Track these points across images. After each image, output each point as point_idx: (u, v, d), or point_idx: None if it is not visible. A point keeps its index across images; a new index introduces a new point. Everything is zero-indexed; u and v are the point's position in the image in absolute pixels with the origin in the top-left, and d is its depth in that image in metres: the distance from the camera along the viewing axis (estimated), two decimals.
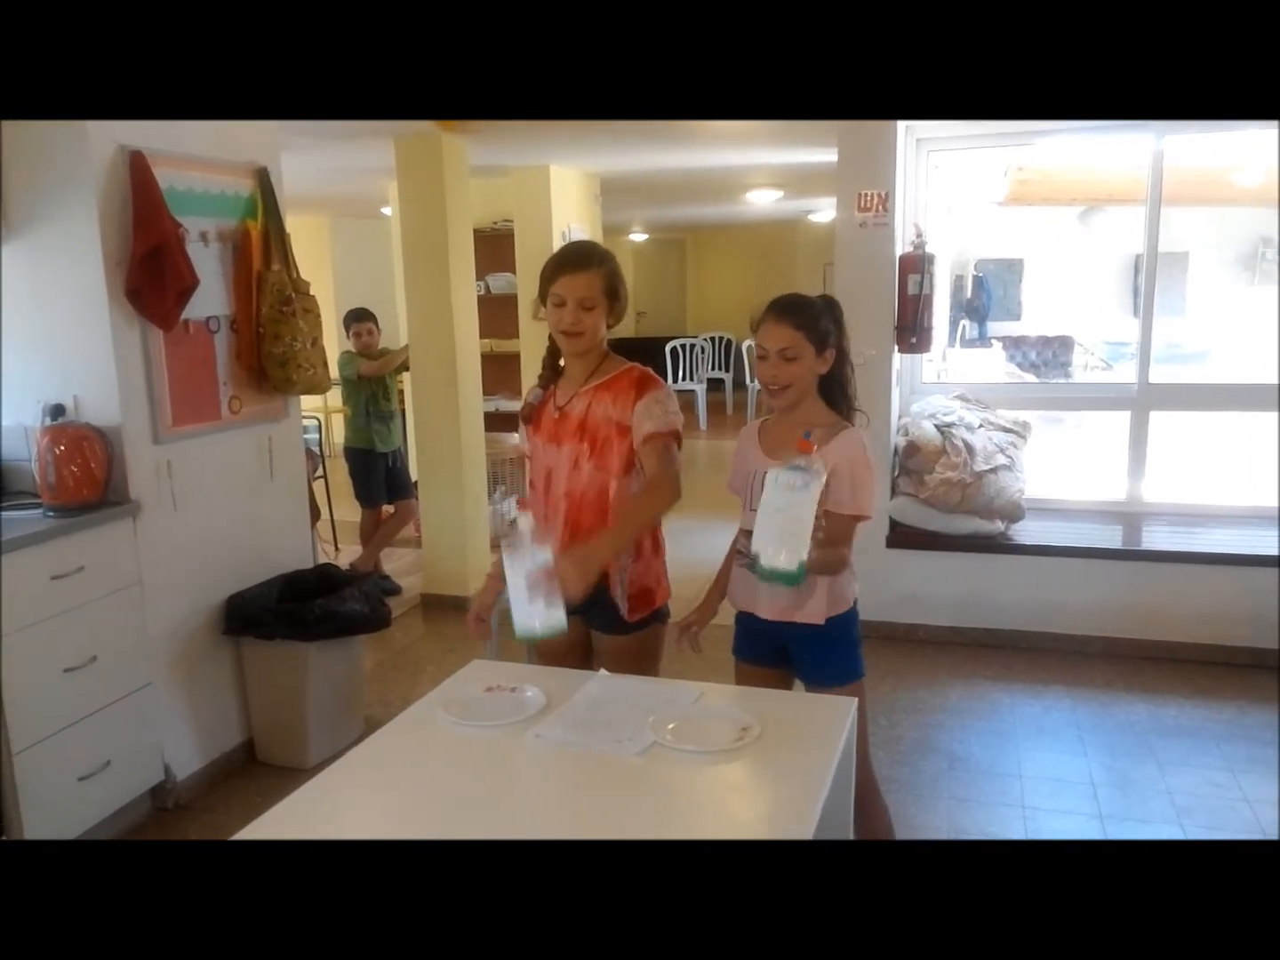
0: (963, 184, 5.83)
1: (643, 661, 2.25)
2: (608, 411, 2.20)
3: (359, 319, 5.29)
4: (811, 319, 2.12)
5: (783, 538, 1.83)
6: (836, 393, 2.22)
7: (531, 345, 6.31)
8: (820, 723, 1.78)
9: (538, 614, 1.88)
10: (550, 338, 2.27)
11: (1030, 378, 8.55)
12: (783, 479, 1.84)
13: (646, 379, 2.22)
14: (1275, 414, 4.34)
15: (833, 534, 2.02)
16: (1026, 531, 4.32)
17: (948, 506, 4.22)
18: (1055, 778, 3.23)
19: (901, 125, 4.23)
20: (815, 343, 2.12)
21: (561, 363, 2.31)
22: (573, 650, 2.27)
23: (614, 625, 2.24)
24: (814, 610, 2.18)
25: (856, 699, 1.91)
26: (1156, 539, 4.30)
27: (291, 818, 1.56)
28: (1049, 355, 9.66)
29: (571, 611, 2.17)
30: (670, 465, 2.14)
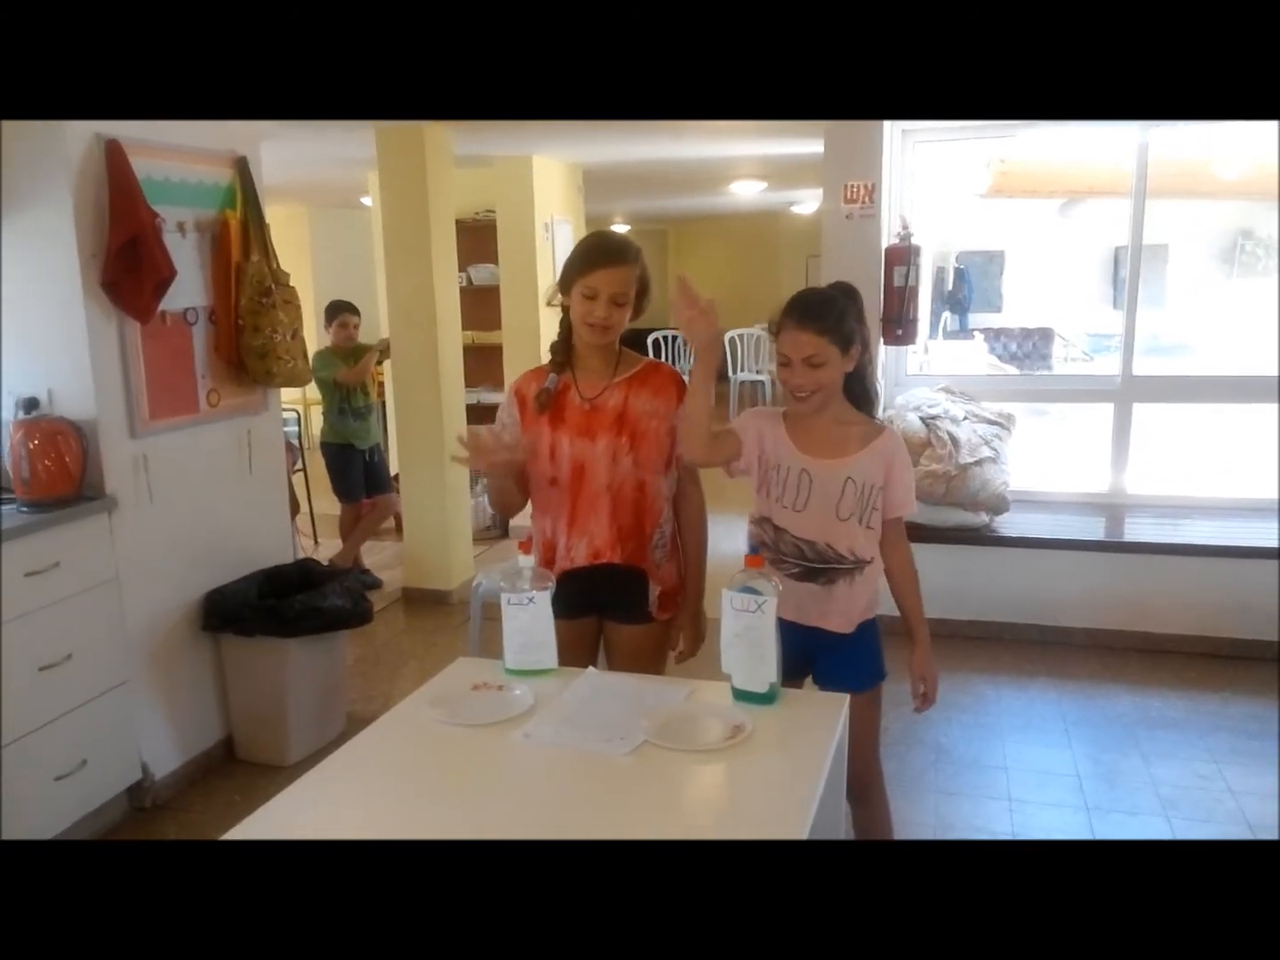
0: (945, 176, 5.82)
1: (660, 651, 2.32)
2: (649, 406, 2.19)
3: (343, 311, 5.22)
4: (836, 321, 2.03)
5: (749, 662, 1.78)
6: (858, 388, 2.16)
7: (514, 337, 6.27)
8: (812, 722, 1.76)
9: (529, 655, 1.94)
10: (563, 324, 2.22)
11: (1011, 369, 8.57)
12: (737, 601, 1.75)
13: (683, 381, 2.25)
14: (1258, 406, 4.36)
15: (895, 537, 2.16)
16: (1011, 524, 4.32)
17: (932, 499, 4.21)
18: (1041, 770, 3.23)
19: None
20: (840, 345, 2.04)
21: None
22: (582, 646, 2.26)
23: (638, 618, 2.26)
24: (847, 618, 2.16)
25: (843, 700, 1.88)
26: (1140, 531, 4.30)
27: (277, 819, 1.52)
28: (1029, 347, 9.69)
29: (587, 609, 2.24)
30: (700, 483, 2.33)
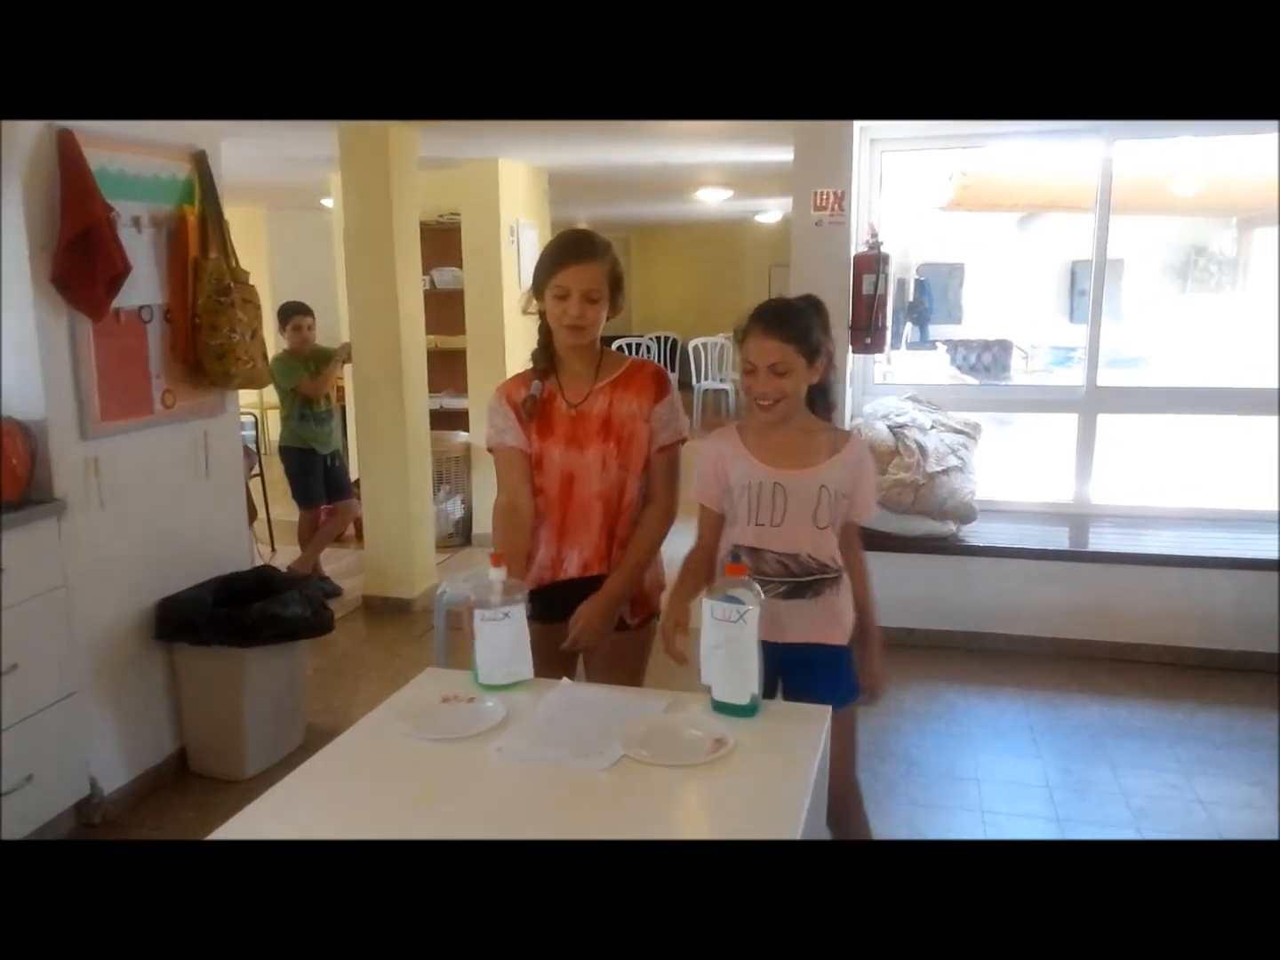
0: (907, 188, 5.83)
1: (639, 659, 2.25)
2: (632, 408, 2.14)
3: (295, 313, 5.11)
4: (803, 330, 2.00)
5: (729, 673, 1.73)
6: (821, 399, 2.13)
7: (478, 342, 6.18)
8: (794, 735, 1.71)
9: (502, 670, 1.87)
10: (542, 330, 2.16)
11: (971, 379, 8.64)
12: (718, 611, 1.71)
13: (664, 378, 2.19)
14: (1219, 418, 4.40)
15: (851, 543, 2.13)
16: (978, 533, 4.32)
17: (900, 508, 4.20)
18: (1012, 781, 3.21)
19: (857, 124, 4.21)
20: (807, 355, 2.00)
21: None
22: (559, 656, 2.17)
23: (616, 625, 2.18)
24: (844, 627, 2.13)
25: (828, 714, 1.83)
26: (1104, 540, 4.33)
27: (238, 837, 1.44)
28: (989, 359, 9.78)
29: (565, 615, 2.14)
30: (675, 483, 2.20)
